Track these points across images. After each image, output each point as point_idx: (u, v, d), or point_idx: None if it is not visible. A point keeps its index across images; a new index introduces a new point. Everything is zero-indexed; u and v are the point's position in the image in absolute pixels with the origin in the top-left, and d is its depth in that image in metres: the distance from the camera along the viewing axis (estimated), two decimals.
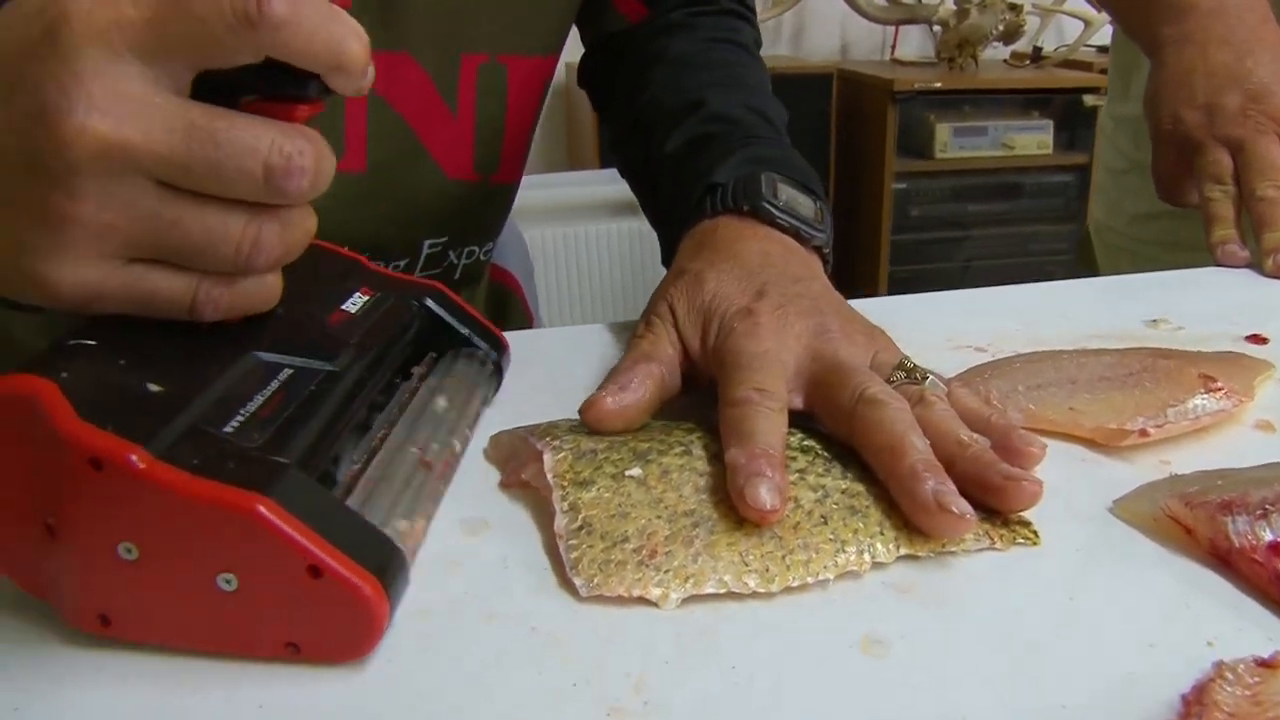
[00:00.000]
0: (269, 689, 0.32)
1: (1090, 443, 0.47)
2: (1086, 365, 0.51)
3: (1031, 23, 2.92)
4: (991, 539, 0.39)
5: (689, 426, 0.45)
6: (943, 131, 2.65)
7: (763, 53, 2.70)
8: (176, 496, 0.30)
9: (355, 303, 0.45)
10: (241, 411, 0.34)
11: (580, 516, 0.39)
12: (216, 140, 0.33)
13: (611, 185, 2.22)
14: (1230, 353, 0.56)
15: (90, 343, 0.35)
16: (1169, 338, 0.60)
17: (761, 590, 0.36)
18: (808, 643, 0.34)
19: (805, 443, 0.44)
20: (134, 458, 0.30)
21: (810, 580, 0.37)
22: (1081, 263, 1.32)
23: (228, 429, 0.33)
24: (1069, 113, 2.76)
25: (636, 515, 0.39)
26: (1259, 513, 0.38)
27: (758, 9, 2.78)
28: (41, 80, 0.32)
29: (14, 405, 0.31)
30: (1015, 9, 2.71)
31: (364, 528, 0.33)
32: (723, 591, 0.36)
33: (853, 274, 2.83)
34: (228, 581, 0.31)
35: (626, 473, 0.42)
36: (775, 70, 2.57)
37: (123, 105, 0.33)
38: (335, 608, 0.31)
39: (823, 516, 0.39)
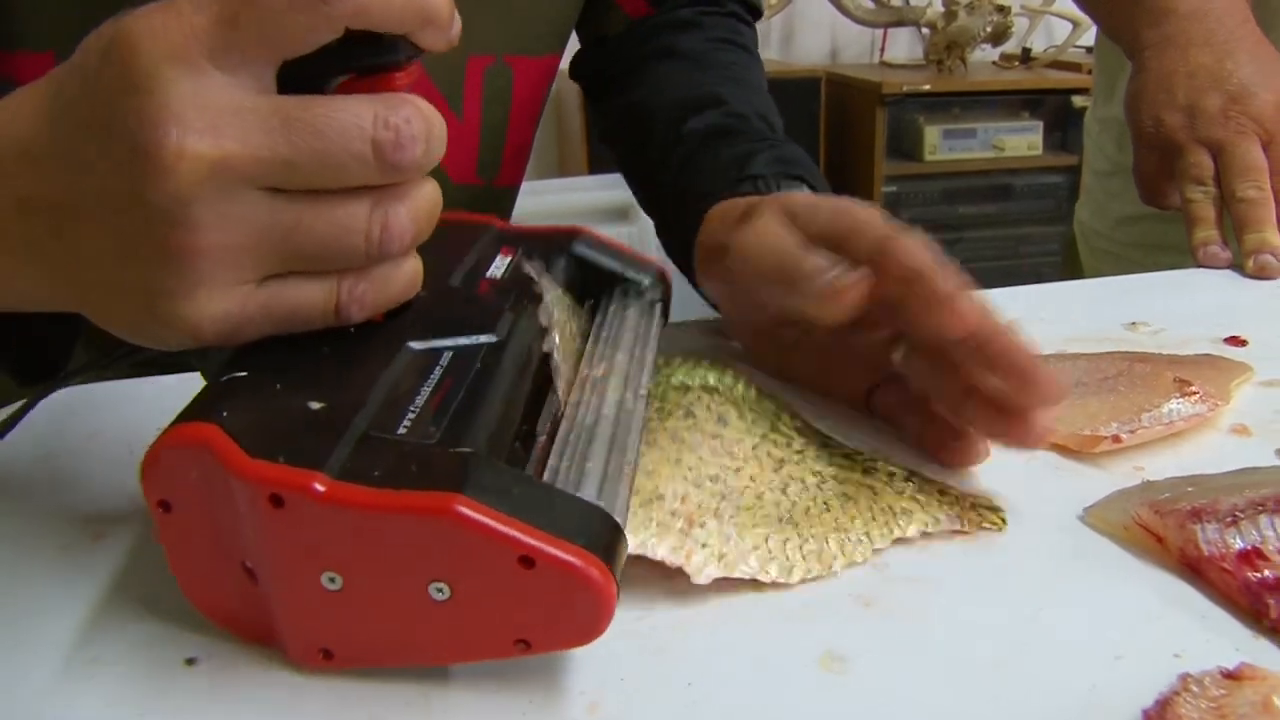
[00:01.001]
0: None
1: (1064, 449, 0.46)
2: (1062, 371, 0.51)
3: (1020, 24, 2.92)
4: (961, 521, 0.40)
5: (678, 385, 0.45)
6: (932, 134, 2.65)
7: None
8: (367, 514, 0.29)
9: (500, 266, 0.42)
10: (411, 408, 0.32)
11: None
12: (317, 129, 0.31)
13: (602, 191, 2.21)
14: (1208, 355, 0.56)
15: (241, 375, 0.33)
16: (1148, 341, 0.60)
17: (781, 581, 0.36)
18: (767, 659, 0.33)
19: (797, 424, 0.44)
20: (315, 485, 0.29)
21: (823, 573, 0.37)
22: (1067, 266, 1.31)
23: (401, 430, 0.31)
24: (1058, 114, 2.76)
25: (658, 472, 0.38)
26: (1229, 520, 0.37)
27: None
28: (127, 115, 0.31)
29: (183, 457, 0.30)
30: (1003, 10, 2.71)
31: (570, 503, 0.31)
32: (748, 578, 0.36)
33: None
34: (440, 590, 0.29)
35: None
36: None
37: (215, 119, 0.31)
38: (558, 594, 0.29)
39: (824, 503, 0.39)
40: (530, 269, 0.43)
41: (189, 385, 0.35)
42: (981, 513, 0.40)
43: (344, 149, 0.32)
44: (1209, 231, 0.77)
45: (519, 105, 0.71)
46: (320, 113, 0.32)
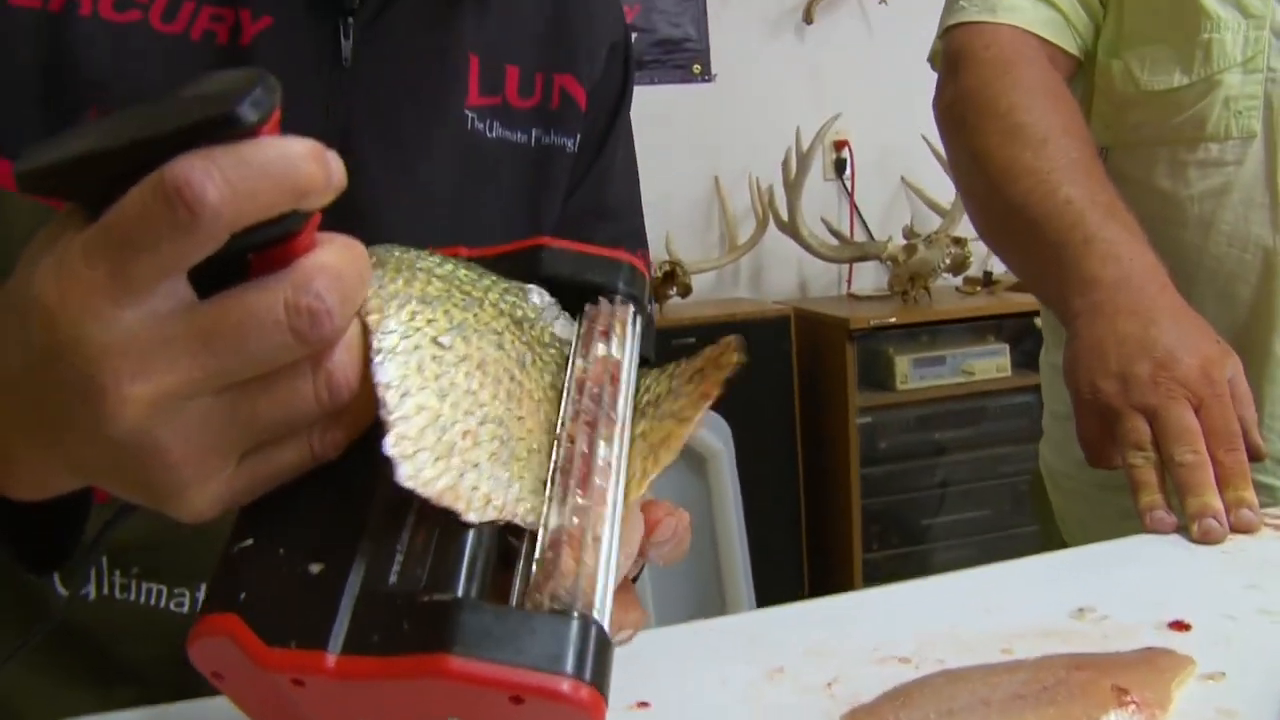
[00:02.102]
0: None
1: None
2: (1000, 685, 0.51)
3: (978, 250, 3.02)
4: (711, 394, 0.41)
5: (499, 307, 0.42)
6: (902, 364, 2.71)
7: (723, 296, 2.82)
8: (375, 683, 0.33)
9: None
10: (399, 548, 0.36)
11: (404, 376, 0.37)
12: (237, 336, 0.34)
13: None
14: (1149, 651, 0.56)
15: (249, 543, 0.37)
16: (1093, 631, 0.61)
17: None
18: None
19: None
20: (325, 664, 0.33)
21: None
22: (1036, 500, 1.33)
23: (393, 578, 0.35)
24: (1023, 334, 2.83)
25: (454, 398, 0.38)
26: None
27: (716, 254, 2.84)
28: (67, 376, 0.34)
29: (216, 644, 0.35)
30: (959, 242, 2.82)
31: (549, 627, 0.34)
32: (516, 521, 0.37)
33: (825, 509, 2.83)
34: (456, 718, 0.34)
35: (441, 339, 0.39)
36: (735, 315, 2.66)
37: (143, 358, 0.33)
38: (551, 714, 0.33)
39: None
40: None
41: None
42: (721, 365, 0.41)
43: (266, 345, 0.34)
44: (1153, 496, 0.79)
45: None
46: (235, 317, 0.34)
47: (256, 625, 0.34)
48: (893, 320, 2.70)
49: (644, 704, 0.54)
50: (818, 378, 2.81)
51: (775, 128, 2.98)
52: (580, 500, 0.37)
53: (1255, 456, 0.81)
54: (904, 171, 3.17)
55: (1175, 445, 0.79)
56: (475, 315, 0.40)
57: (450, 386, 0.37)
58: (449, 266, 0.42)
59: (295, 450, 0.37)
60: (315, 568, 0.35)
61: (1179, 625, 0.61)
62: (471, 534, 0.36)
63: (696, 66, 3.07)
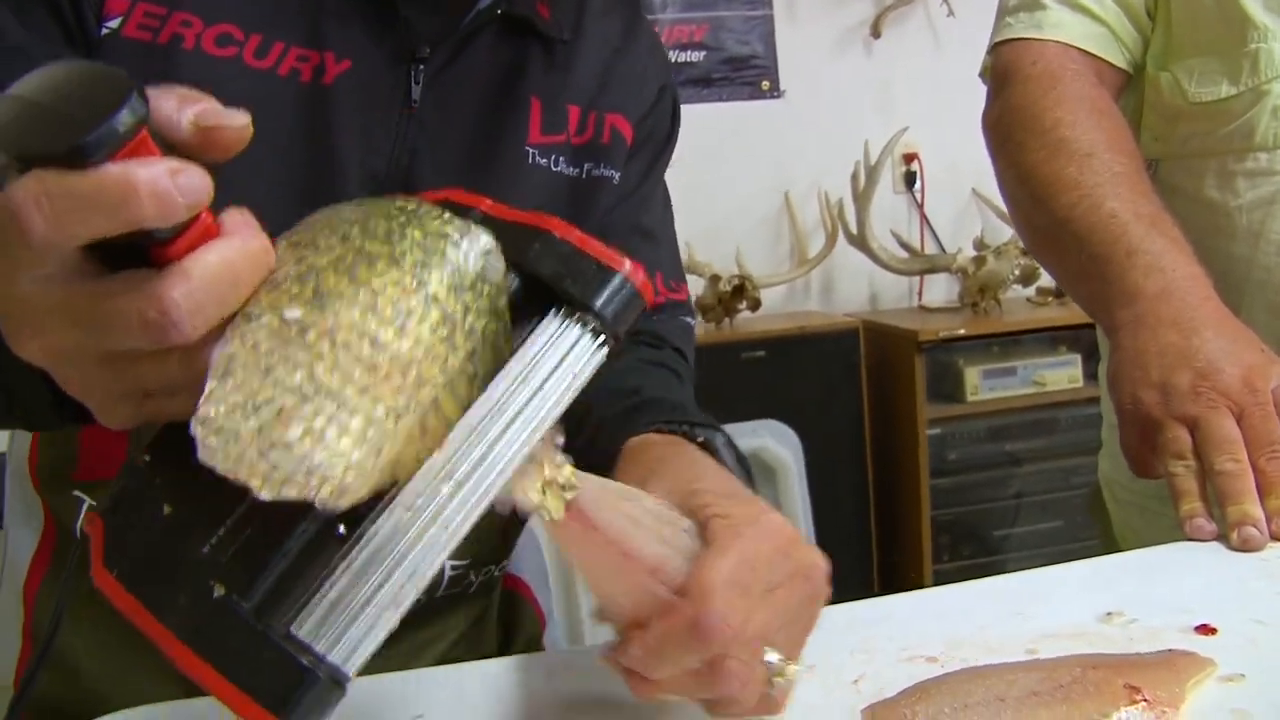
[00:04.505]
0: None
1: None
2: (1016, 682, 0.53)
3: None
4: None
5: (405, 262, 0.40)
6: (972, 375, 2.70)
7: (793, 309, 2.80)
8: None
9: None
10: (227, 522, 0.37)
11: (231, 356, 0.38)
12: (105, 324, 0.37)
13: None
14: (1169, 653, 0.58)
15: (146, 458, 0.40)
16: (1119, 634, 0.62)
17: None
18: None
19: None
20: (136, 609, 0.37)
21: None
22: (1096, 513, 1.33)
23: (206, 548, 0.37)
24: (1095, 345, 2.79)
25: (280, 374, 0.38)
26: None
27: (786, 268, 2.83)
28: None
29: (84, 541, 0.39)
30: (1028, 253, 2.80)
31: (284, 666, 0.36)
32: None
33: (895, 520, 2.82)
34: None
35: (286, 314, 0.38)
36: (804, 328, 2.67)
37: (35, 317, 0.38)
38: None
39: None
40: None
41: None
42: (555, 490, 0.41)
43: (129, 338, 0.37)
44: (1194, 504, 0.80)
45: None
46: (103, 309, 0.37)
47: (109, 541, 0.38)
48: (961, 332, 2.69)
49: None
50: (887, 389, 2.81)
51: (844, 142, 2.99)
52: (430, 533, 0.38)
53: None
54: (974, 183, 3.16)
55: (1216, 454, 0.80)
56: (354, 278, 0.39)
57: (279, 362, 0.37)
58: (379, 224, 0.40)
59: (185, 401, 0.39)
60: (167, 509, 0.38)
61: (1205, 629, 0.62)
62: (300, 524, 0.37)
63: (765, 83, 3.10)
